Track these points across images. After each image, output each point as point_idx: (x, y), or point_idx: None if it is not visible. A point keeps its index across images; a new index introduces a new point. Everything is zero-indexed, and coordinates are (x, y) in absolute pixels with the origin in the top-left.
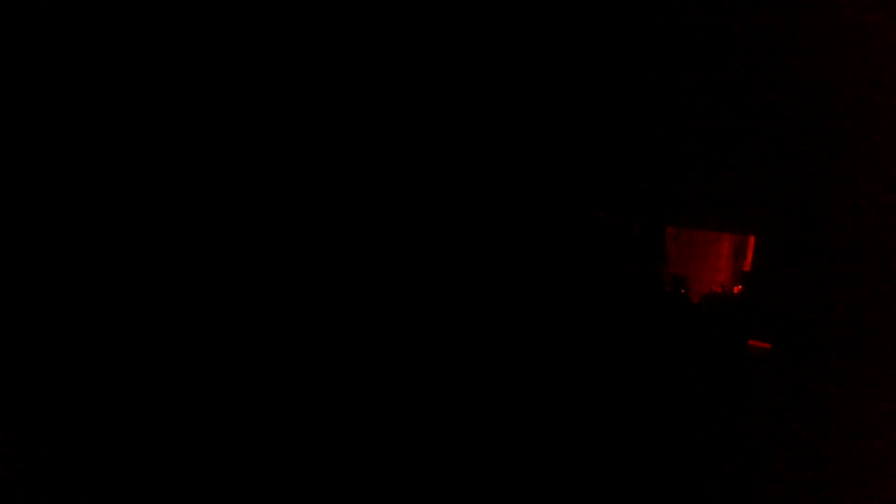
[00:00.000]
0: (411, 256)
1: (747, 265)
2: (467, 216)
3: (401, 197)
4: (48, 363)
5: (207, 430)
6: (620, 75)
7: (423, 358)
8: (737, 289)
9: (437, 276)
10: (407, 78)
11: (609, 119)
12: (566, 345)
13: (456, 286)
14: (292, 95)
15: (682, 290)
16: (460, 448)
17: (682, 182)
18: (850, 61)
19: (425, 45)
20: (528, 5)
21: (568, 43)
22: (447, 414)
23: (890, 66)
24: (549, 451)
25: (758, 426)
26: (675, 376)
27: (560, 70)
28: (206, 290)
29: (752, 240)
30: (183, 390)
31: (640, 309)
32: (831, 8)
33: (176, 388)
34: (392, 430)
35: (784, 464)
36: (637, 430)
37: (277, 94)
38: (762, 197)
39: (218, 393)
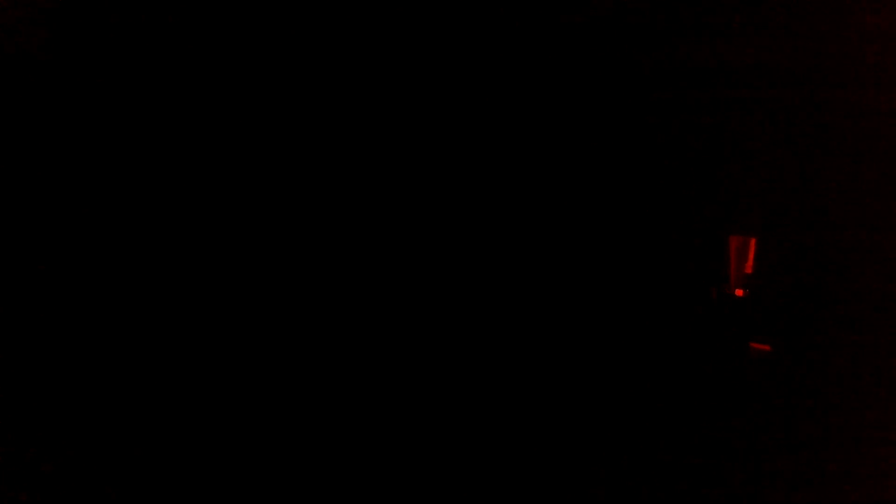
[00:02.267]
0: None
1: (749, 267)
2: (483, 216)
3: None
4: (49, 364)
5: (207, 431)
6: (619, 71)
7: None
8: (739, 292)
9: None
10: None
11: (607, 118)
12: (570, 344)
13: (466, 283)
14: (292, 95)
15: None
16: (467, 446)
17: (683, 184)
18: (851, 60)
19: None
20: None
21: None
22: (459, 412)
23: (890, 65)
24: (549, 450)
25: (758, 428)
26: (676, 378)
27: (561, 68)
28: (206, 290)
29: (753, 241)
30: (183, 391)
31: (649, 311)
32: (831, 8)
33: (176, 389)
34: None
35: (784, 465)
36: (638, 431)
37: (276, 94)
38: (763, 198)
39: (218, 393)
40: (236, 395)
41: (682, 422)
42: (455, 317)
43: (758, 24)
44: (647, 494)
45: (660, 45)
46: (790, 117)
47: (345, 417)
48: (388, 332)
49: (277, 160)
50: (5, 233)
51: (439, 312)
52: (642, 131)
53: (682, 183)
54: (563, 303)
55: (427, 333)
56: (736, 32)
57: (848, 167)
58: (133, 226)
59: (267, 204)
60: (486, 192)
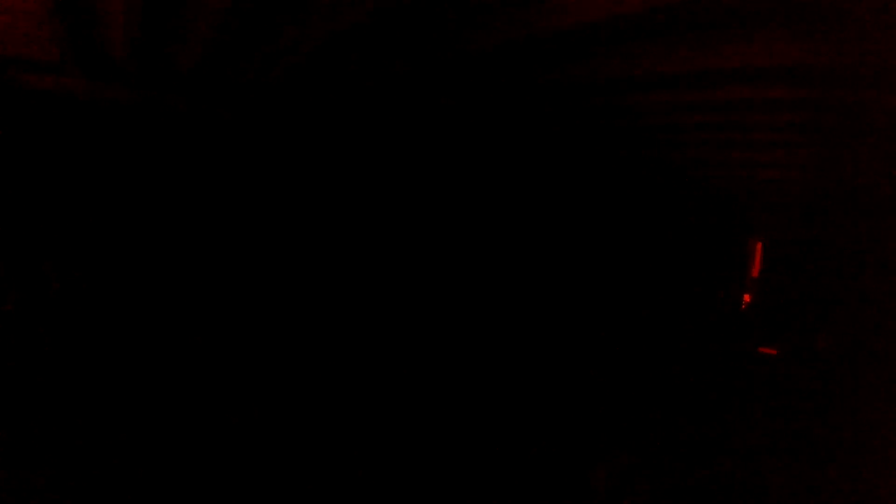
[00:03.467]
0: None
1: (755, 271)
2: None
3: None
4: (51, 365)
5: (207, 431)
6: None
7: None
8: (746, 296)
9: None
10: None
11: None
12: (574, 345)
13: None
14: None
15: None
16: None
17: (684, 187)
18: (850, 62)
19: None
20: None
21: None
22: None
23: (889, 66)
24: (552, 449)
25: (758, 428)
26: (682, 379)
27: None
28: (207, 293)
29: (759, 246)
30: (183, 391)
31: (665, 317)
32: (834, 9)
33: (176, 389)
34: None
35: (785, 465)
36: (641, 430)
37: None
38: (765, 202)
39: (218, 394)
40: (235, 398)
41: (687, 421)
42: (464, 319)
43: (760, 25)
44: (647, 493)
45: (660, 47)
46: (793, 117)
47: (345, 418)
48: (402, 337)
49: (272, 171)
50: (8, 234)
51: (447, 315)
52: (643, 134)
53: (683, 186)
54: (566, 304)
55: (435, 338)
56: (738, 35)
57: (848, 167)
58: (136, 228)
59: (264, 212)
60: (490, 200)
